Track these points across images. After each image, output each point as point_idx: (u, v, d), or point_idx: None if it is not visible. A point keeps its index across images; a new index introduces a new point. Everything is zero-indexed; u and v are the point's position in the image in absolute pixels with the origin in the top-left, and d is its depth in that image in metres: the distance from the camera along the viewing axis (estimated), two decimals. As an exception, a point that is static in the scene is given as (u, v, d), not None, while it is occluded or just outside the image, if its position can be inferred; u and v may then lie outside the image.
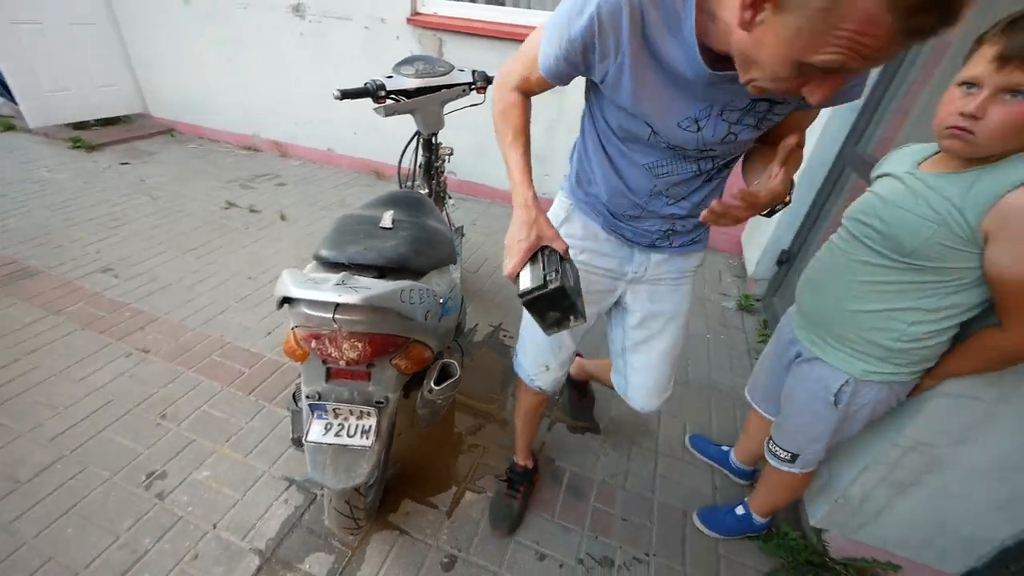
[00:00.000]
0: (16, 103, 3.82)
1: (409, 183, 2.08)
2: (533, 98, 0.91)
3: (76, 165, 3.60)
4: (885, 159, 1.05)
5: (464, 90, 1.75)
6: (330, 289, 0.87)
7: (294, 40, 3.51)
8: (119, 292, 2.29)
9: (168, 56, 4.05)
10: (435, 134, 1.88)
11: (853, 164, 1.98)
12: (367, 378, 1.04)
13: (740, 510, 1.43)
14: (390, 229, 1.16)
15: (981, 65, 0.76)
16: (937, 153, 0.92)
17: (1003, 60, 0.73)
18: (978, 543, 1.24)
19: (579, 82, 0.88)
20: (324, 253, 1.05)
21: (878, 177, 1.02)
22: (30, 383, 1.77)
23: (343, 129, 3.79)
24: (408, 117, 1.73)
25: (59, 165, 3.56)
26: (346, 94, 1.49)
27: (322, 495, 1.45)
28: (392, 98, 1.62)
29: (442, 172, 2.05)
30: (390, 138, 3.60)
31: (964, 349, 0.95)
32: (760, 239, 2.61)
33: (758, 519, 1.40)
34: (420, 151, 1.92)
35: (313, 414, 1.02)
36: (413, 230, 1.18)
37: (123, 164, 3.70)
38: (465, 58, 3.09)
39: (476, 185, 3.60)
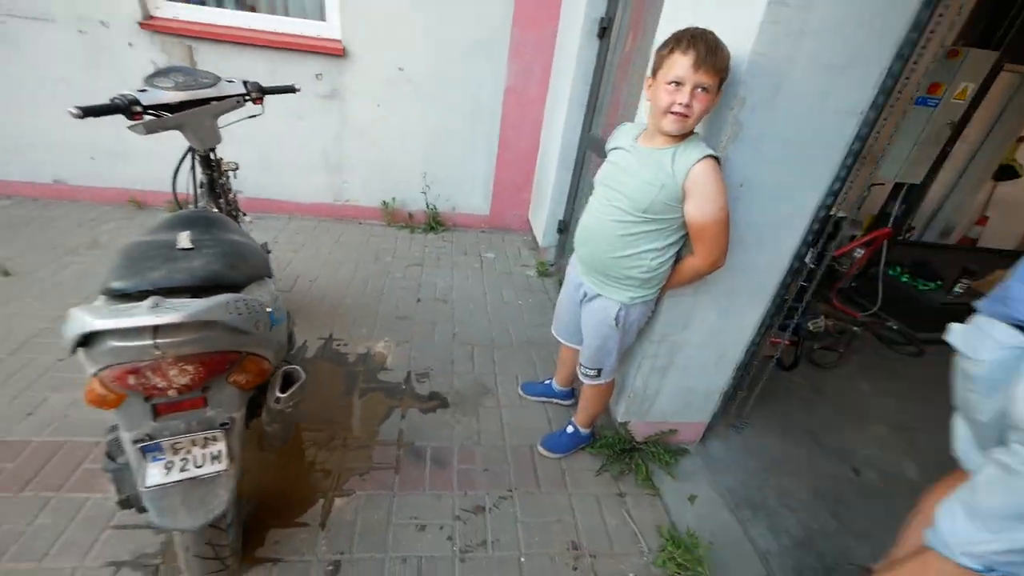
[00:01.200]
0: None
1: (190, 206, 1.91)
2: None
3: None
4: (613, 135, 1.46)
5: (238, 102, 1.69)
6: (146, 312, 0.81)
7: (-33, 45, 2.67)
8: None
9: None
10: (212, 149, 1.76)
11: (590, 145, 2.59)
12: (203, 404, 0.99)
13: (570, 428, 1.83)
14: (191, 250, 1.07)
15: (681, 69, 1.12)
16: (645, 130, 1.33)
17: (696, 65, 1.10)
18: (711, 395, 1.86)
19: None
20: (118, 284, 0.93)
21: (612, 149, 1.42)
22: None
23: (73, 154, 3.06)
24: (168, 134, 1.58)
25: None
26: (89, 111, 1.29)
27: (164, 553, 1.32)
28: (151, 113, 1.47)
29: (229, 189, 1.93)
30: (146, 159, 3.09)
31: (676, 271, 1.40)
32: (542, 214, 3.17)
33: (583, 431, 1.82)
34: (199, 169, 1.78)
35: (146, 457, 0.94)
36: (219, 246, 1.11)
37: None
38: (224, 66, 2.85)
39: (269, 201, 3.37)
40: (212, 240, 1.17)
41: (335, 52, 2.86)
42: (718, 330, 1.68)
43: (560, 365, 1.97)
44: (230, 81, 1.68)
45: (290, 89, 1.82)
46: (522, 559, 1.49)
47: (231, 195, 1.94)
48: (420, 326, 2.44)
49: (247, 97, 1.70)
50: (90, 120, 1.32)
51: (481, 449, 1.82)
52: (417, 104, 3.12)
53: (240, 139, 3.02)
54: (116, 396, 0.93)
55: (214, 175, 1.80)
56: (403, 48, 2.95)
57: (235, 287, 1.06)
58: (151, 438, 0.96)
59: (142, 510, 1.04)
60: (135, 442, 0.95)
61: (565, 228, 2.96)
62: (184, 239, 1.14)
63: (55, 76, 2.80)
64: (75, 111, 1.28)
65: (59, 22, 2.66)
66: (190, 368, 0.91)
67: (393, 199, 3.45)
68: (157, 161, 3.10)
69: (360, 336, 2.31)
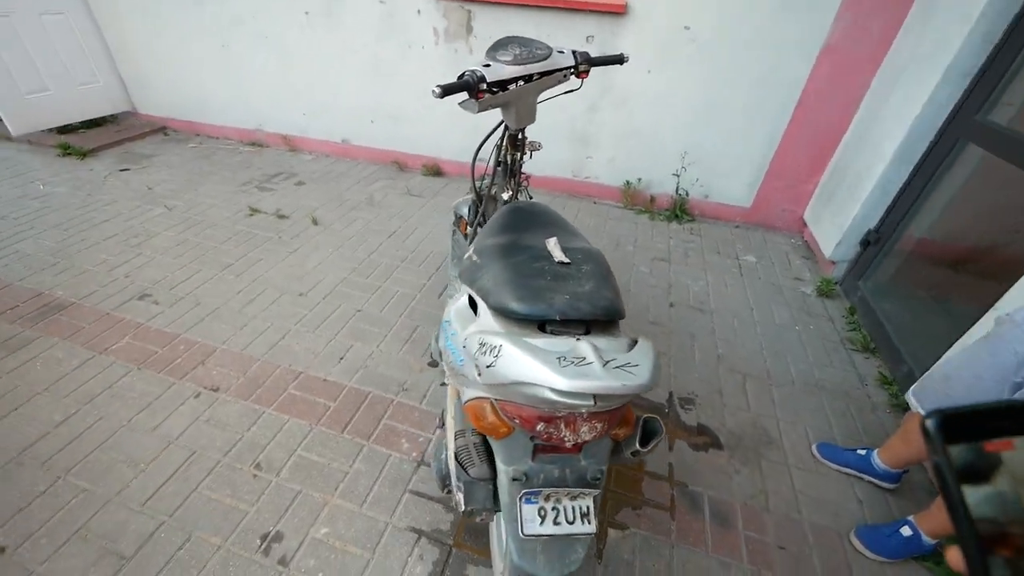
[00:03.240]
0: (-10, 108, 3.43)
1: (478, 183, 1.90)
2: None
3: (72, 175, 3.28)
4: None
5: (565, 76, 1.54)
6: (606, 375, 0.70)
7: (299, 20, 3.16)
8: (164, 321, 2.10)
9: (153, 46, 3.65)
10: (523, 129, 1.67)
11: (975, 135, 1.83)
12: (578, 451, 0.90)
13: (907, 531, 1.37)
14: (569, 264, 0.98)
15: None
16: None
17: None
18: None
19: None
20: (518, 307, 0.87)
21: None
22: (99, 437, 1.61)
23: (358, 118, 3.50)
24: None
25: (54, 176, 3.24)
26: (447, 90, 1.26)
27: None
28: (487, 90, 1.40)
29: (522, 169, 1.85)
30: (413, 124, 3.35)
31: None
32: (836, 217, 2.49)
33: (927, 539, 1.34)
34: (506, 149, 1.71)
35: (521, 500, 0.88)
36: (588, 261, 1.00)
37: (123, 170, 3.38)
38: (497, 31, 2.83)
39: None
40: (580, 253, 1.03)
41: (615, 10, 2.58)
42: None
43: (900, 437, 1.47)
44: (560, 52, 1.53)
45: (618, 59, 1.59)
46: None
47: (524, 175, 1.86)
48: (677, 337, 2.15)
49: (574, 70, 1.54)
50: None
51: (771, 517, 1.49)
52: (695, 69, 2.68)
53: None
54: (507, 429, 0.86)
55: (517, 155, 1.72)
56: (697, 1, 2.50)
57: (619, 318, 0.92)
58: (527, 477, 0.89)
59: (476, 515, 1.03)
60: (513, 479, 0.89)
61: (875, 242, 2.26)
62: (556, 249, 1.02)
63: (356, 45, 3.15)
64: (437, 91, 1.25)
65: (368, -6, 2.93)
66: (599, 424, 0.80)
67: (638, 180, 3.15)
68: (421, 127, 3.35)
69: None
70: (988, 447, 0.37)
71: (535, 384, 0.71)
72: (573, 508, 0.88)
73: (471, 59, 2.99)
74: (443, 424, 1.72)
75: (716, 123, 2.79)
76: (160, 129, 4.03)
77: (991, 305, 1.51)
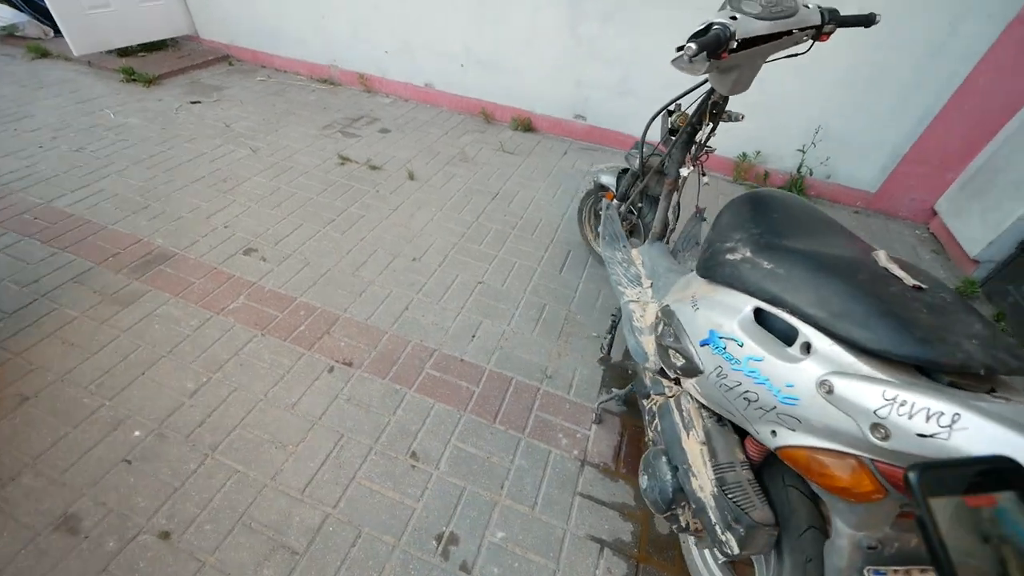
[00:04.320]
0: (47, 24, 3.14)
1: (646, 155, 1.66)
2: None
3: (141, 104, 3.03)
4: None
5: (807, 36, 1.27)
6: None
7: (398, -60, 2.78)
8: (277, 282, 1.95)
9: (224, -41, 3.27)
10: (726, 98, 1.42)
11: None
12: None
13: None
14: (926, 291, 0.78)
15: None
16: None
17: None
18: None
19: None
20: (914, 350, 0.68)
21: None
22: (238, 412, 1.50)
23: (446, 61, 3.16)
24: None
25: (122, 105, 3.00)
26: (701, 47, 1.02)
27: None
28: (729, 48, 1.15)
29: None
30: (507, 73, 3.03)
31: None
32: (992, 214, 2.22)
33: None
34: (704, 118, 1.46)
35: (869, 569, 0.74)
36: (946, 291, 0.80)
37: (194, 103, 3.13)
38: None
39: (618, 135, 3.07)
40: (917, 273, 0.83)
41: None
42: None
43: None
44: (807, 6, 1.25)
45: (868, 20, 1.31)
46: None
47: (705, 151, 1.61)
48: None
49: (821, 29, 1.26)
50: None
51: None
52: (850, 31, 2.31)
53: (603, 56, 2.68)
54: (881, 494, 0.70)
55: (711, 128, 1.47)
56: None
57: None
58: (880, 545, 0.74)
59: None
60: (869, 548, 0.74)
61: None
62: (894, 267, 0.82)
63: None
64: (693, 48, 1.01)
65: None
66: None
67: (756, 153, 2.85)
68: (516, 76, 3.04)
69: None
70: (970, 502, 0.40)
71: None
72: None
73: (591, 5, 2.62)
74: (600, 420, 1.60)
75: (861, 96, 2.45)
76: (224, 58, 3.72)
77: None
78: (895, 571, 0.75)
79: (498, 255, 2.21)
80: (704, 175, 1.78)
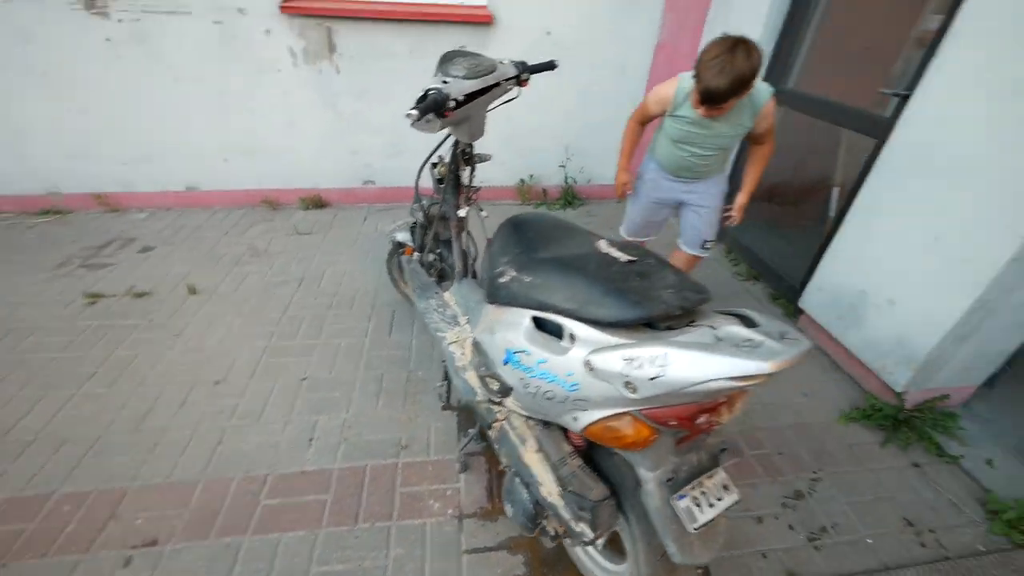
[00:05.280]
0: None
1: (426, 205, 1.79)
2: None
3: None
4: (673, 96, 1.65)
5: (508, 86, 1.52)
6: (785, 347, 0.70)
7: (98, 50, 2.48)
8: (18, 483, 1.47)
9: None
10: (471, 144, 1.61)
11: (780, 100, 2.37)
12: (711, 430, 0.91)
13: None
14: (637, 261, 0.97)
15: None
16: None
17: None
18: (999, 356, 1.76)
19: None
20: (634, 312, 0.84)
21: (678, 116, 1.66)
22: None
23: (205, 159, 2.90)
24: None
25: None
26: (423, 111, 1.17)
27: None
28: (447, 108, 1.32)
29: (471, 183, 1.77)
30: (278, 156, 2.94)
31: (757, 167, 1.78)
32: None
33: None
34: (458, 164, 1.62)
35: (675, 499, 0.86)
36: (650, 256, 1.01)
37: None
38: (363, 46, 2.65)
39: (400, 189, 3.19)
40: (629, 248, 1.04)
41: (482, 20, 2.61)
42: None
43: None
44: (502, 63, 1.51)
45: (550, 66, 1.63)
46: (869, 540, 1.44)
47: (474, 189, 1.78)
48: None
49: (517, 80, 1.53)
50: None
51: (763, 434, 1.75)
52: (561, 70, 2.86)
53: (369, 126, 2.85)
54: (654, 435, 0.83)
55: (469, 170, 1.65)
56: (552, 8, 2.68)
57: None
58: (675, 474, 0.88)
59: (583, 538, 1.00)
60: (668, 480, 0.87)
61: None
62: (613, 249, 1.01)
63: (187, 75, 2.60)
64: (415, 114, 1.15)
65: (194, 14, 2.44)
66: (739, 401, 0.83)
67: (530, 176, 3.26)
68: (289, 157, 2.97)
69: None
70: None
71: (717, 379, 0.70)
72: (714, 486, 0.91)
73: (340, 79, 2.73)
74: (466, 467, 1.57)
75: (588, 116, 3.06)
76: None
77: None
78: (691, 489, 0.89)
79: (319, 343, 2.06)
80: (482, 210, 1.96)
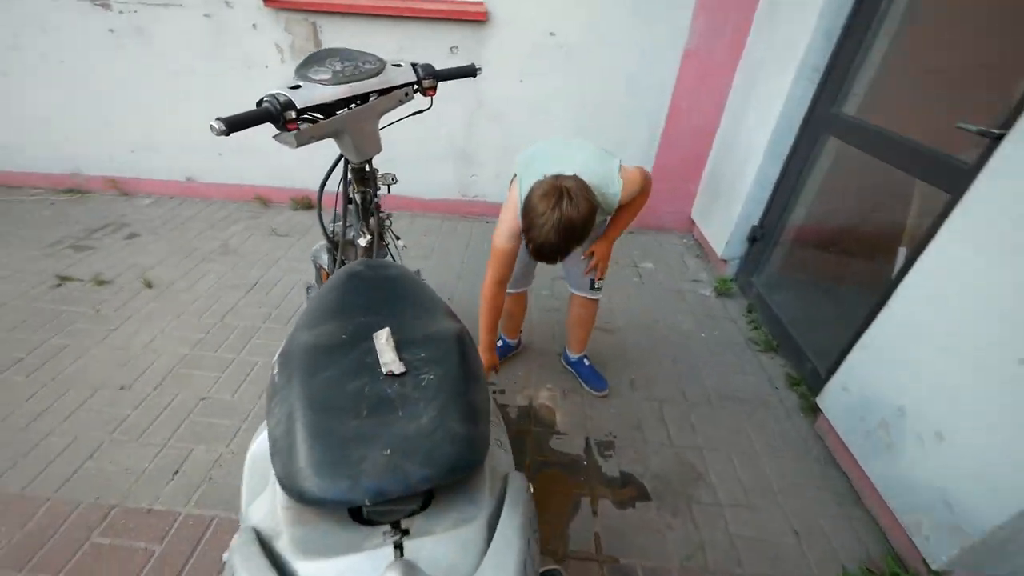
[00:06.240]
0: None
1: (335, 223, 1.57)
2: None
3: None
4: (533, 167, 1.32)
5: (407, 94, 1.26)
6: None
7: (102, 40, 2.56)
8: None
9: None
10: (370, 160, 1.36)
11: (831, 127, 1.85)
12: None
13: (587, 362, 1.88)
14: (405, 375, 0.67)
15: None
16: None
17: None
18: None
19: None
20: (310, 486, 0.54)
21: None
22: None
23: (203, 151, 2.94)
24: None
25: None
26: (235, 124, 0.93)
27: None
28: (307, 119, 1.09)
29: (379, 206, 1.54)
30: (269, 154, 2.88)
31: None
32: (721, 215, 2.48)
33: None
34: (351, 185, 1.39)
35: None
36: (440, 365, 0.69)
37: None
38: (348, 44, 2.46)
39: (390, 197, 3.01)
40: (425, 346, 0.73)
41: (476, 18, 2.36)
42: None
43: (507, 317, 1.82)
44: (397, 65, 1.25)
45: (470, 72, 1.34)
46: None
47: (383, 214, 1.55)
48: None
49: (417, 86, 1.26)
50: (219, 115, 0.97)
51: (709, 576, 1.32)
52: (567, 76, 2.54)
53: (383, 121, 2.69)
54: None
55: (368, 192, 1.41)
56: (557, 7, 2.36)
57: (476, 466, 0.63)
58: None
59: None
60: None
61: (761, 237, 2.26)
62: (387, 350, 0.71)
63: (181, 67, 2.62)
64: (218, 126, 0.91)
65: (185, 6, 2.43)
66: None
67: (527, 193, 2.96)
68: (281, 156, 2.88)
69: (517, 379, 1.89)
70: None
71: None
72: None
73: (326, 76, 2.61)
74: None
75: (597, 129, 2.68)
76: (-69, 184, 3.12)
77: (876, 284, 1.50)
78: None
79: (237, 358, 1.94)
80: (398, 238, 1.72)
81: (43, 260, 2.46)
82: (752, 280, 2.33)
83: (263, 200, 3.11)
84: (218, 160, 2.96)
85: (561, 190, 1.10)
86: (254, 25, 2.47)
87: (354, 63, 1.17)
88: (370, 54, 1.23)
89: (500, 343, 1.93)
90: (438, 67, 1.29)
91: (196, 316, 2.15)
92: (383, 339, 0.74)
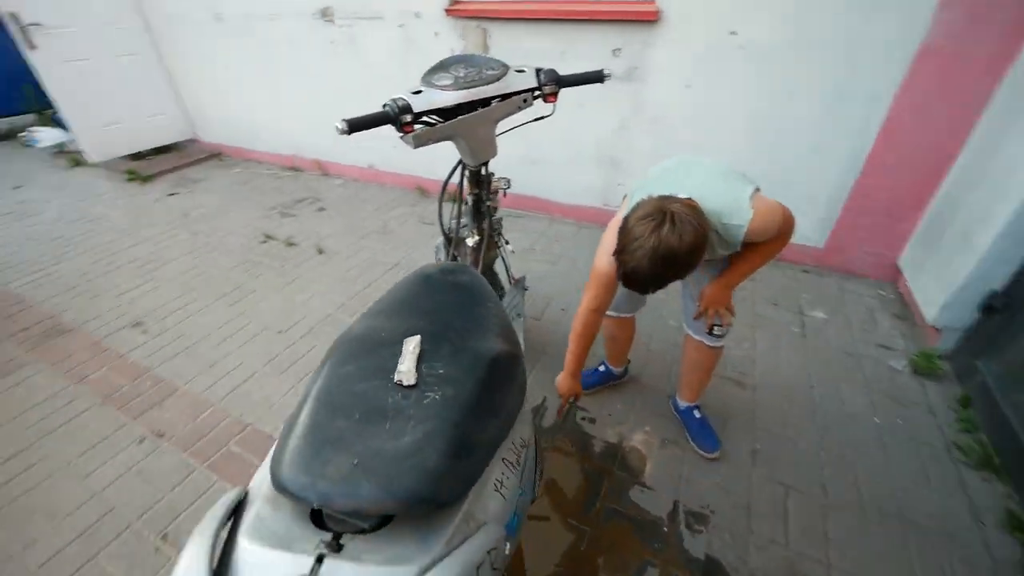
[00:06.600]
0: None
1: (453, 221, 1.62)
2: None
3: (130, 198, 3.53)
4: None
5: (525, 100, 1.23)
6: None
7: (325, 48, 3.16)
8: (145, 353, 2.05)
9: (208, 78, 3.90)
10: (485, 164, 1.38)
11: None
12: None
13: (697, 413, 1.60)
14: (413, 388, 0.65)
15: None
16: None
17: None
18: None
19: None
20: (278, 472, 0.56)
21: None
22: (34, 480, 1.54)
23: (383, 143, 3.39)
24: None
25: (115, 200, 3.51)
26: (356, 126, 1.03)
27: None
28: (424, 122, 1.16)
29: (495, 209, 1.55)
30: (431, 148, 3.15)
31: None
32: (946, 269, 1.85)
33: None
34: (466, 187, 1.43)
35: None
36: (453, 386, 0.65)
37: (171, 195, 3.59)
38: (514, 49, 2.57)
39: (528, 198, 3.06)
40: (452, 363, 0.69)
41: (646, 18, 2.20)
42: None
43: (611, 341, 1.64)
44: (520, 71, 1.23)
45: (597, 78, 1.27)
46: None
47: (496, 218, 1.56)
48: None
49: (538, 93, 1.23)
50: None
51: None
52: (746, 82, 2.19)
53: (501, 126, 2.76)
54: None
55: (482, 194, 1.43)
56: (742, 2, 2.05)
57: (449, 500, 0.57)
58: None
59: None
60: None
61: (1005, 308, 1.61)
62: (408, 360, 0.68)
63: (381, 73, 3.06)
64: (341, 126, 1.01)
65: (385, 19, 2.83)
66: None
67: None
68: (441, 150, 3.15)
69: (614, 412, 1.71)
70: None
71: None
72: None
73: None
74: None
75: (776, 144, 2.25)
76: (216, 155, 4.29)
77: None
78: None
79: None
80: (507, 243, 1.71)
81: (260, 220, 3.16)
82: (978, 364, 1.67)
83: (423, 190, 3.46)
84: (393, 151, 3.39)
85: (665, 213, 0.92)
86: (436, 33, 2.74)
87: (477, 69, 1.19)
88: (496, 60, 1.23)
89: (602, 367, 1.77)
90: (607, 73, 1.28)
91: (348, 283, 2.49)
92: (411, 346, 0.71)
